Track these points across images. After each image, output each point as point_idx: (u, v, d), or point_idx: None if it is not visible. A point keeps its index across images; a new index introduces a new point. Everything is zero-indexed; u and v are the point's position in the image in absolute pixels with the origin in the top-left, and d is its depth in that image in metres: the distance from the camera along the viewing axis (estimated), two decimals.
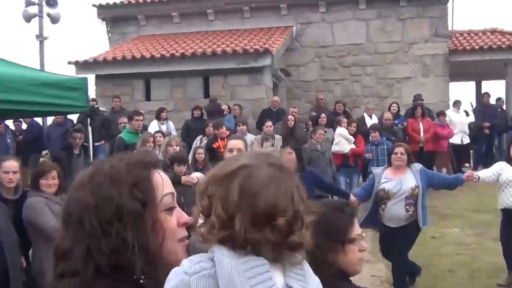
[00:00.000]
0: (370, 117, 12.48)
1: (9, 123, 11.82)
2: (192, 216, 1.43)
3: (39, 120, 12.31)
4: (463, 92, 23.37)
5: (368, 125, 11.61)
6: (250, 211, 1.15)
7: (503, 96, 15.11)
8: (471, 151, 14.50)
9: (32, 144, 11.54)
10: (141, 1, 15.95)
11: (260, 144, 9.94)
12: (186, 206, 3.84)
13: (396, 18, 14.91)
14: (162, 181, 1.24)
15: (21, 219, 4.49)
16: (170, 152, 6.73)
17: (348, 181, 10.26)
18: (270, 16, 15.47)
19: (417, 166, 5.93)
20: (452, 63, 14.83)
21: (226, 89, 13.19)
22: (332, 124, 11.19)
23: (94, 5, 16.01)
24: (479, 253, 7.31)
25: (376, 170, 6.20)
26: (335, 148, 10.32)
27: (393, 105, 12.69)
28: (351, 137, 10.51)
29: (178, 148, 6.95)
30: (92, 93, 11.52)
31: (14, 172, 4.74)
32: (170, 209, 1.25)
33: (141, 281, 1.14)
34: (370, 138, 10.10)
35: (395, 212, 5.75)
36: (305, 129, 11.61)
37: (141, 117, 8.29)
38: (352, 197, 6.16)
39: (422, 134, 11.86)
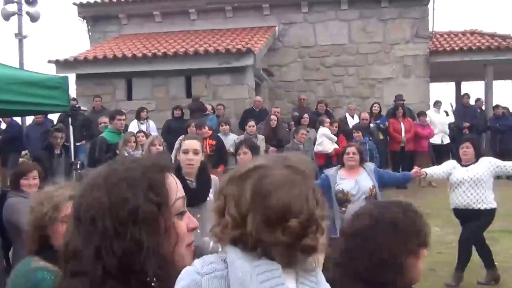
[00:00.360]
0: (352, 117, 12.57)
1: None
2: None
3: (18, 119, 12.15)
4: (443, 92, 23.67)
5: (350, 125, 11.70)
6: (262, 211, 1.15)
7: (482, 97, 15.34)
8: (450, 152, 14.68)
9: (12, 143, 11.38)
10: (122, 0, 15.82)
11: None
12: None
13: (378, 19, 15.03)
14: (175, 185, 1.25)
15: (1, 219, 4.42)
16: (153, 152, 6.68)
17: None
18: (253, 16, 15.47)
19: (370, 165, 5.88)
20: (432, 64, 15.00)
21: (209, 89, 13.14)
22: (315, 124, 11.24)
23: (74, 4, 15.83)
24: None
25: (329, 171, 5.94)
26: (318, 148, 10.36)
27: (375, 105, 12.80)
28: (334, 137, 10.57)
29: (161, 148, 6.90)
30: (72, 92, 11.40)
31: None
32: (181, 214, 1.25)
33: (153, 284, 1.14)
34: (353, 138, 10.18)
35: None
36: (287, 129, 11.65)
37: (123, 117, 8.22)
38: None
39: (403, 134, 11.99)
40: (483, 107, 14.81)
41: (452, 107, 15.49)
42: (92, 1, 15.77)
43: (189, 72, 13.11)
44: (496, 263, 6.41)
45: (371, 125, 11.88)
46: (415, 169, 6.33)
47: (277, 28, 15.33)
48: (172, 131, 10.82)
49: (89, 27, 16.21)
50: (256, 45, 13.21)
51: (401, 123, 12.10)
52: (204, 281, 1.15)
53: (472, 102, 14.67)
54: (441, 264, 6.79)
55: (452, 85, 20.17)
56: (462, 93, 16.80)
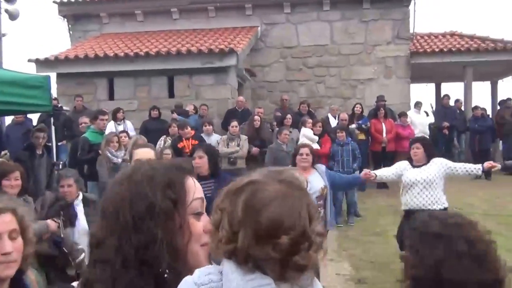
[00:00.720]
0: (335, 117, 12.63)
1: None
2: None
3: None
4: (423, 93, 23.88)
5: (333, 126, 11.76)
6: (253, 226, 1.15)
7: (462, 98, 15.55)
8: None
9: None
10: None
11: (226, 144, 9.93)
12: None
13: (359, 20, 15.13)
14: (194, 187, 1.32)
15: None
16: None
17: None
18: (235, 16, 15.46)
19: (322, 167, 5.90)
20: (413, 65, 15.16)
21: (191, 89, 13.09)
22: (297, 124, 11.27)
23: (55, 2, 15.63)
24: None
25: None
26: None
27: (357, 105, 12.88)
28: (315, 137, 10.59)
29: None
30: (53, 92, 11.24)
31: None
32: (198, 214, 1.31)
33: (165, 275, 1.21)
34: (336, 138, 10.24)
35: None
36: (270, 130, 11.66)
37: (106, 117, 8.18)
38: None
39: (384, 135, 12.10)
40: (462, 108, 15.03)
41: (432, 108, 15.69)
42: None
43: (171, 72, 13.05)
44: None
45: (352, 126, 11.96)
46: (365, 171, 6.35)
47: (259, 28, 15.35)
48: (150, 132, 10.71)
49: (69, 25, 16.02)
50: (238, 45, 13.21)
51: (383, 124, 12.21)
52: None
53: (451, 103, 14.88)
54: None
55: (432, 86, 20.43)
56: (442, 94, 17.03)
